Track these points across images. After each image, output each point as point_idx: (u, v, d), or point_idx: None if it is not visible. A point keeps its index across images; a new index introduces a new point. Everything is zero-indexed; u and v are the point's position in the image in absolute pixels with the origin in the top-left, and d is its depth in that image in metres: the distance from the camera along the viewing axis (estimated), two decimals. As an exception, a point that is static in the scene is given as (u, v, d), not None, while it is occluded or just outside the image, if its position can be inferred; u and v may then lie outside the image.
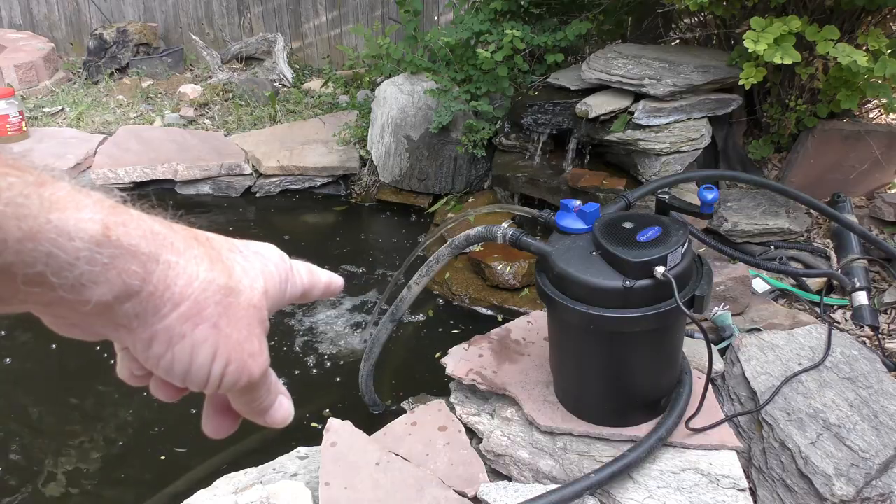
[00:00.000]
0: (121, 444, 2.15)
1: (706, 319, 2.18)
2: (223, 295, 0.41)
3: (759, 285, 2.45)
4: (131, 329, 0.39)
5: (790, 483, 1.64)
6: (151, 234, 0.39)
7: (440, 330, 2.69)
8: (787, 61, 2.35)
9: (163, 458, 2.08)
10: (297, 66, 5.13)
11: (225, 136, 4.17)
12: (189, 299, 0.40)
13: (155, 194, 3.72)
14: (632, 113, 2.79)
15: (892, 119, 3.13)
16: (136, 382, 0.46)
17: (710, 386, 1.62)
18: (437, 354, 2.46)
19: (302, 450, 1.80)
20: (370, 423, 1.92)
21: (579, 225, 1.63)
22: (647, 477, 1.60)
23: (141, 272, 0.38)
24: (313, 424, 2.14)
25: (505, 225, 1.81)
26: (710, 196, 1.71)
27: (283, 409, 0.49)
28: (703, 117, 2.81)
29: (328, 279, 0.52)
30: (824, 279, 2.45)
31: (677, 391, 1.72)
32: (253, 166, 3.82)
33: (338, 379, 2.42)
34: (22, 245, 0.34)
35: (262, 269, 0.45)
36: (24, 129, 3.98)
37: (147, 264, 0.38)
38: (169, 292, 0.39)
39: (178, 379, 0.42)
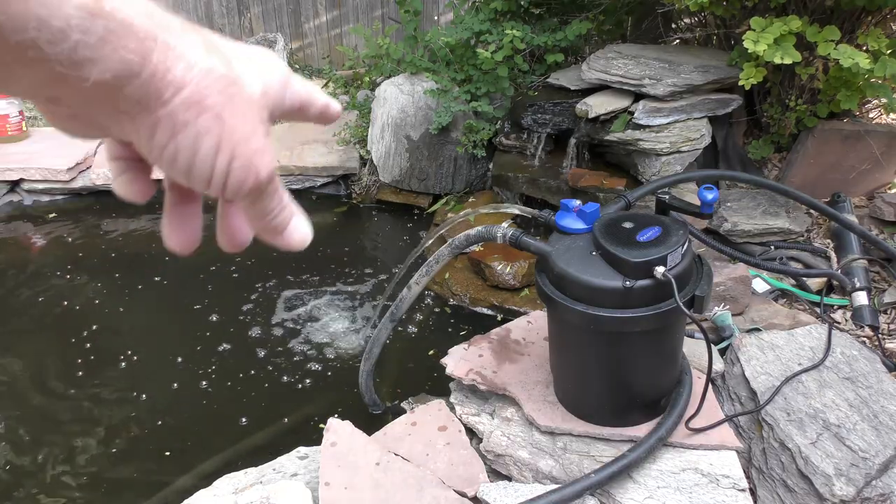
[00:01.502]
0: (120, 443, 2.15)
1: (706, 319, 2.18)
2: (225, 84, 0.39)
3: (759, 285, 2.45)
4: (133, 116, 0.38)
5: (790, 483, 1.64)
6: (147, 14, 0.37)
7: (440, 330, 2.69)
8: (787, 61, 2.36)
9: (168, 453, 2.08)
10: (297, 66, 5.14)
11: (225, 136, 4.16)
12: (191, 84, 0.38)
13: (155, 194, 3.74)
14: (632, 113, 2.79)
15: (892, 119, 3.13)
16: (117, 169, 0.45)
17: (710, 386, 1.62)
18: (432, 352, 2.47)
19: (302, 450, 1.80)
20: (370, 423, 1.92)
21: (579, 225, 1.63)
22: (647, 477, 1.60)
23: (139, 49, 0.36)
24: (321, 426, 2.14)
25: (505, 225, 1.81)
26: (710, 196, 1.71)
27: (300, 229, 0.48)
28: (703, 117, 2.81)
29: (326, 100, 0.51)
30: (824, 279, 2.45)
31: (677, 391, 1.72)
32: (253, 166, 3.82)
33: (338, 379, 2.42)
34: (8, 5, 0.32)
35: (260, 69, 0.43)
36: (25, 129, 3.98)
37: (144, 41, 0.36)
38: (170, 75, 0.37)
39: (182, 173, 0.40)
